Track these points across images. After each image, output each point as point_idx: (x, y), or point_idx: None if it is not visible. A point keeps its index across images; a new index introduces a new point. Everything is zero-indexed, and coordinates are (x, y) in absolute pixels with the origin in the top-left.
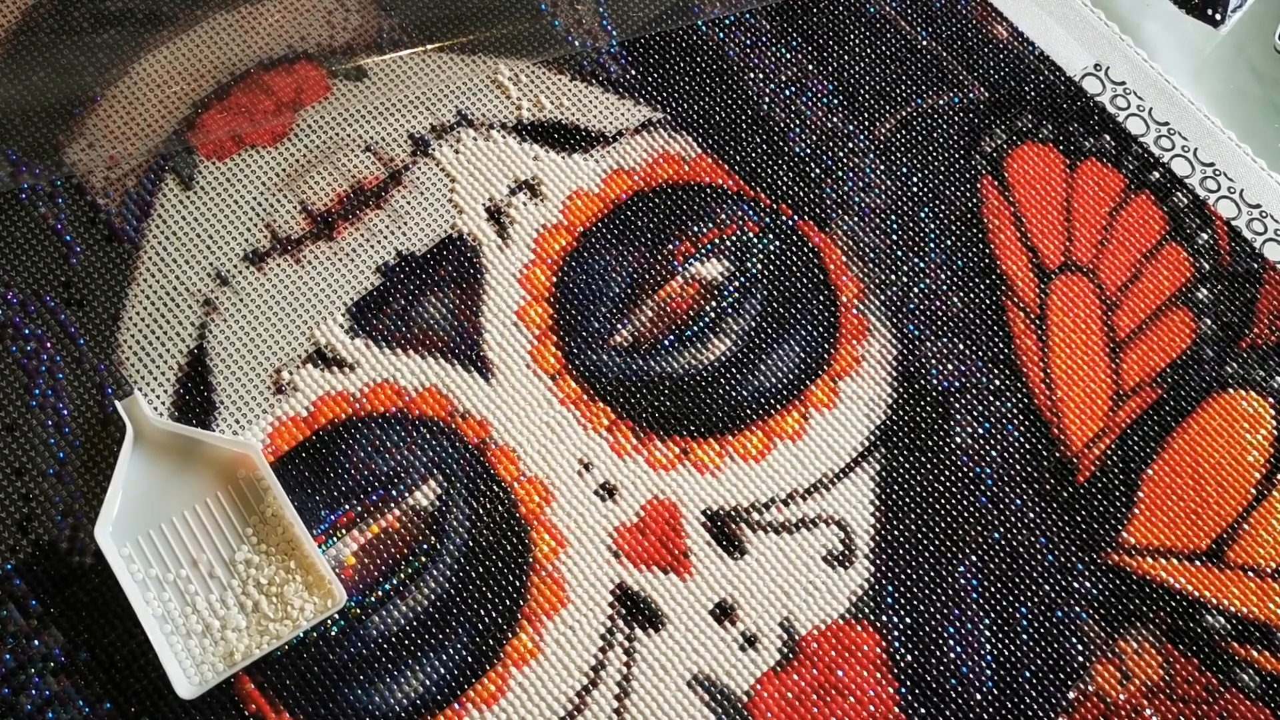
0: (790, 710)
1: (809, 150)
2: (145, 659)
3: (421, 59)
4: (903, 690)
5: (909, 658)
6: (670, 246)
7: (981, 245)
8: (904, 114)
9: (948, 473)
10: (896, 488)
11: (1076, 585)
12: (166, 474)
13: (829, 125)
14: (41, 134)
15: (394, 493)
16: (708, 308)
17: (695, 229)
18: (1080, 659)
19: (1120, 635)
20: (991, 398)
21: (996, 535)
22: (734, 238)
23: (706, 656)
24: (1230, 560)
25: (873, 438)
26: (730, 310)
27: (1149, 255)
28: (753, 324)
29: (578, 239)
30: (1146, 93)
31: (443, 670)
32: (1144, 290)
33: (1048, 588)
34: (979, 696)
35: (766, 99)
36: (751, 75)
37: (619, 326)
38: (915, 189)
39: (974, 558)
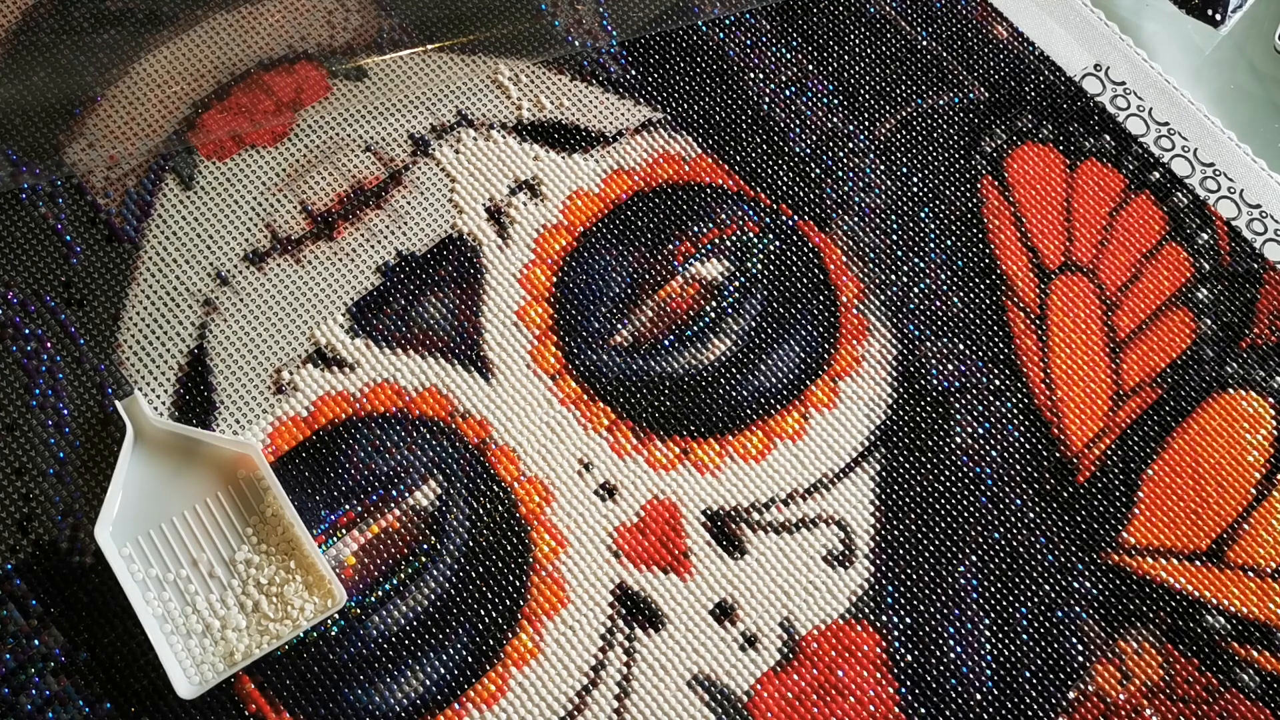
0: (790, 710)
1: (809, 150)
2: (145, 659)
3: (421, 59)
4: (903, 690)
5: (909, 658)
6: (670, 246)
7: (981, 245)
8: (904, 114)
9: (948, 473)
10: (896, 488)
11: (1076, 585)
12: (166, 474)
13: (829, 125)
14: (41, 134)
15: (394, 493)
16: (708, 308)
17: (695, 229)
18: (1080, 659)
19: (1120, 635)
20: (991, 398)
21: (996, 535)
22: (734, 238)
23: (706, 656)
24: (1230, 560)
25: (873, 438)
26: (730, 310)
27: (1149, 255)
28: (753, 324)
29: (578, 239)
30: (1146, 93)
31: (443, 670)
32: (1144, 290)
33: (1048, 588)
34: (979, 696)
35: (766, 99)
36: (751, 75)
37: (619, 326)
38: (915, 189)
39: (974, 558)
